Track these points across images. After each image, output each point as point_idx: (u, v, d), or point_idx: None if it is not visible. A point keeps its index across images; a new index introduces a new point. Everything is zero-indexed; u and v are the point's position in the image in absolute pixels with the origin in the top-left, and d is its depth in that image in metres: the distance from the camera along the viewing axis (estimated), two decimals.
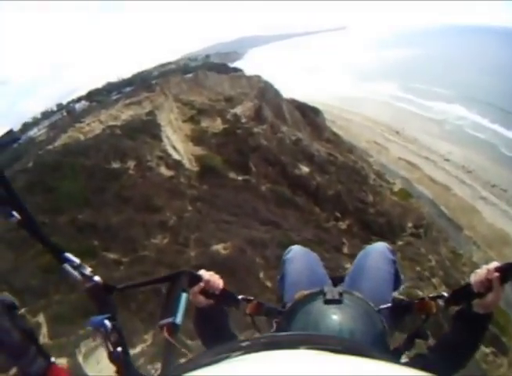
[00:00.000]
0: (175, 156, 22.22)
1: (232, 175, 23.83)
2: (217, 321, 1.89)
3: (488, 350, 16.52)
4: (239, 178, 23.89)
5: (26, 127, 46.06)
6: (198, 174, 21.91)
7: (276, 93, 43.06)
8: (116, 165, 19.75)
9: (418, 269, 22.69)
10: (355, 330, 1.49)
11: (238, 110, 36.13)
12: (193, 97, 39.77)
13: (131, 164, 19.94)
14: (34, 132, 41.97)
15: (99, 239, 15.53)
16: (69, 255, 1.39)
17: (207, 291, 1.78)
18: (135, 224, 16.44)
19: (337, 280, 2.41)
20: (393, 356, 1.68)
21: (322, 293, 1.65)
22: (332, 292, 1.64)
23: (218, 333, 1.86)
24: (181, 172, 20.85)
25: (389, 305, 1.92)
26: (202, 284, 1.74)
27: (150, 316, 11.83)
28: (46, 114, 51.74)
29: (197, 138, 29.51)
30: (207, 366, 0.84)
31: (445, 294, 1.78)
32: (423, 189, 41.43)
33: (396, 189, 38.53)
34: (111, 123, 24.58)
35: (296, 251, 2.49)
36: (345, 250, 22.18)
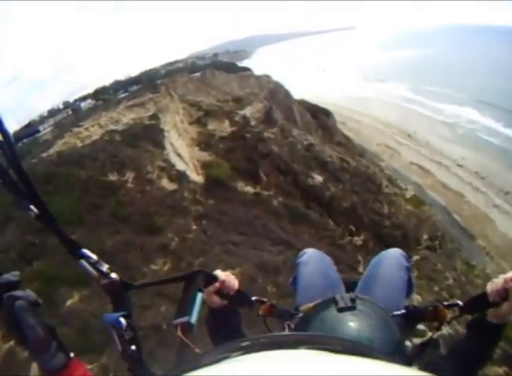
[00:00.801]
0: (179, 166, 19.70)
1: (240, 185, 21.40)
2: (230, 322, 1.82)
3: (501, 370, 15.13)
4: (249, 189, 21.46)
5: (32, 125, 44.60)
6: (203, 186, 19.39)
7: (287, 94, 40.52)
8: (113, 177, 17.36)
9: (436, 289, 20.98)
10: (374, 338, 1.43)
11: (247, 111, 33.76)
12: (200, 97, 37.42)
13: (129, 175, 17.52)
14: None
15: None
16: (86, 251, 1.37)
17: (221, 292, 1.73)
18: (132, 247, 14.11)
19: (350, 285, 2.30)
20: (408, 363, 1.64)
21: (333, 301, 1.59)
22: (344, 299, 1.59)
23: (229, 334, 1.77)
24: (184, 185, 18.34)
25: (403, 311, 1.88)
26: (217, 284, 1.69)
27: (150, 355, 9.61)
28: (52, 112, 50.10)
29: (204, 142, 27.17)
30: (207, 366, 0.84)
31: (460, 302, 1.72)
32: (435, 196, 39.67)
33: (408, 195, 36.79)
34: (111, 127, 22.20)
35: (310, 254, 2.45)
36: (361, 268, 20.14)
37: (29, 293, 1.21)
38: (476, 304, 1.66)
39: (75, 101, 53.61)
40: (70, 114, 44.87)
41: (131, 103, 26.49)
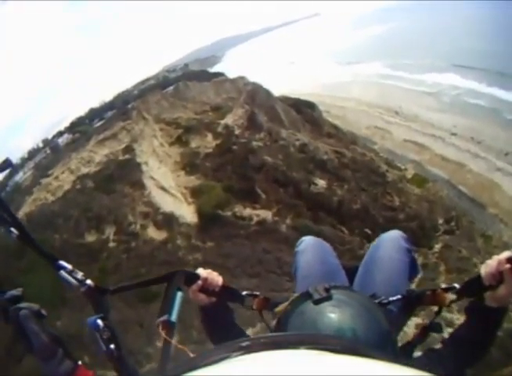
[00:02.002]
0: (165, 207, 16.25)
1: (239, 209, 18.09)
2: (222, 318, 1.78)
3: None
4: (248, 212, 18.18)
5: (13, 170, 41.44)
6: (198, 226, 15.90)
7: (267, 94, 37.05)
8: (91, 238, 14.04)
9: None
10: (357, 329, 1.32)
11: (229, 120, 30.58)
12: (177, 114, 33.95)
13: (109, 231, 14.20)
14: (19, 177, 37.11)
15: (89, 353, 10.27)
16: (62, 262, 1.41)
17: (206, 289, 1.70)
18: (129, 324, 11.06)
19: (350, 271, 2.24)
20: (403, 352, 1.62)
21: (308, 294, 1.48)
22: (318, 291, 1.47)
23: (224, 330, 1.75)
24: (175, 230, 14.89)
25: (399, 296, 1.78)
26: (200, 282, 1.67)
27: None
28: (32, 153, 47.07)
29: (189, 164, 23.92)
30: (207, 366, 0.82)
31: (457, 285, 1.63)
32: (437, 171, 36.93)
33: (410, 175, 34.31)
34: (83, 170, 18.87)
35: (307, 242, 2.36)
36: None
37: (32, 305, 1.23)
38: (472, 287, 1.55)
39: (53, 138, 50.82)
40: (49, 153, 42.51)
41: (102, 136, 23.08)
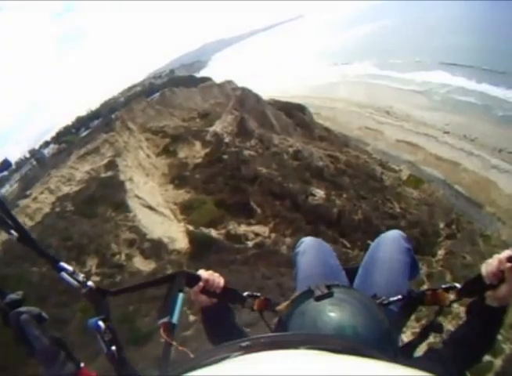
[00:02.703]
0: (152, 232, 14.46)
1: (233, 227, 16.53)
2: (222, 319, 1.71)
3: None
4: (244, 229, 16.65)
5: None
6: (189, 253, 14.09)
7: (256, 98, 35.36)
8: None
9: None
10: (357, 326, 1.30)
11: (217, 127, 28.98)
12: (164, 122, 32.24)
13: (91, 264, 12.50)
14: (6, 189, 35.30)
15: None
16: (63, 264, 1.39)
17: (208, 290, 1.63)
18: None
19: (350, 272, 2.15)
20: (404, 352, 1.56)
21: (310, 292, 1.44)
22: (319, 288, 1.43)
23: (225, 331, 1.67)
24: (165, 258, 13.18)
25: (399, 297, 1.71)
26: (201, 284, 1.60)
27: None
28: (19, 164, 45.15)
29: (177, 176, 22.29)
30: (207, 366, 0.82)
31: (458, 285, 1.56)
32: (431, 171, 36.01)
33: (405, 176, 32.95)
34: (63, 190, 17.17)
35: (307, 243, 2.26)
36: None
37: (32, 308, 1.22)
38: (473, 287, 1.50)
39: (39, 148, 49.17)
40: (35, 165, 40.80)
41: (83, 150, 21.25)
